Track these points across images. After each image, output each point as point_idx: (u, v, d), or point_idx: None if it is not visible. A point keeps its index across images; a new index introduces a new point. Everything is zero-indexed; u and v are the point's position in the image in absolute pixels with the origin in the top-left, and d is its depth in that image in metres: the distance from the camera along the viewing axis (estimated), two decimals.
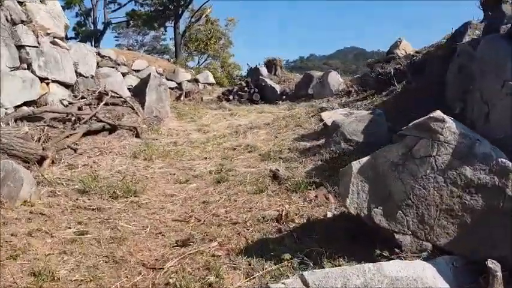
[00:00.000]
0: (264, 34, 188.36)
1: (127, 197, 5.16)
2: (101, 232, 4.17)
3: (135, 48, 32.70)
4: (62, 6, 10.18)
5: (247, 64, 21.27)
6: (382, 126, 6.47)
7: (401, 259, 3.07)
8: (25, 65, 7.82)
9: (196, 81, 16.98)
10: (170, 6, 25.03)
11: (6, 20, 7.55)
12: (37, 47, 8.16)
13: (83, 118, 7.84)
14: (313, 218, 4.31)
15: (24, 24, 8.00)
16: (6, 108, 7.18)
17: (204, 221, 4.51)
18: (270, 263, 3.45)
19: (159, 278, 3.35)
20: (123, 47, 29.49)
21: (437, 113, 3.13)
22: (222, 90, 16.04)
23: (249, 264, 3.48)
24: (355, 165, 3.38)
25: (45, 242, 3.89)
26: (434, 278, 2.76)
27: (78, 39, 24.49)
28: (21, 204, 4.63)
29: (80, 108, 8.44)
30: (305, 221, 4.27)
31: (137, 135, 8.15)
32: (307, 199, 4.83)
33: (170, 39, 30.82)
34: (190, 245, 3.91)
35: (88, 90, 9.41)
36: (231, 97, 14.69)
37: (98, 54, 12.70)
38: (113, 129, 8.04)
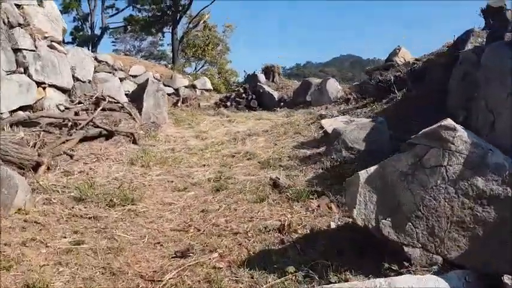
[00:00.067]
0: (264, 34, 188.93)
1: (124, 205, 5.02)
2: (98, 242, 4.03)
3: (132, 53, 32.63)
4: (59, 10, 10.06)
5: (244, 71, 21.25)
6: (384, 134, 6.39)
7: (410, 273, 2.96)
8: (22, 69, 7.69)
9: (193, 87, 16.90)
10: (168, 12, 25.07)
11: (3, 23, 7.43)
12: (34, 50, 8.04)
13: (80, 123, 7.70)
14: (316, 228, 4.18)
15: (21, 28, 7.88)
16: (1, 113, 7.05)
17: (204, 230, 4.38)
18: (274, 276, 3.33)
19: None
20: (120, 52, 29.43)
21: (448, 121, 3.03)
22: (220, 97, 15.97)
23: (252, 277, 3.35)
24: (363, 174, 3.27)
25: (39, 252, 3.75)
26: None
27: (75, 44, 24.40)
28: (16, 212, 4.49)
29: (76, 114, 8.32)
30: (308, 231, 4.14)
31: (134, 142, 8.03)
32: (310, 209, 4.71)
33: (168, 44, 30.90)
34: (189, 256, 3.78)
35: (85, 95, 9.31)
36: (228, 103, 14.62)
37: (95, 59, 12.57)
38: (109, 135, 7.91)
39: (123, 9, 27.10)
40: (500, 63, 4.90)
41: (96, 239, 4.10)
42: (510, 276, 2.63)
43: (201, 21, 26.04)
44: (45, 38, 8.61)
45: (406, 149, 3.22)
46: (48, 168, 5.99)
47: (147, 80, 10.70)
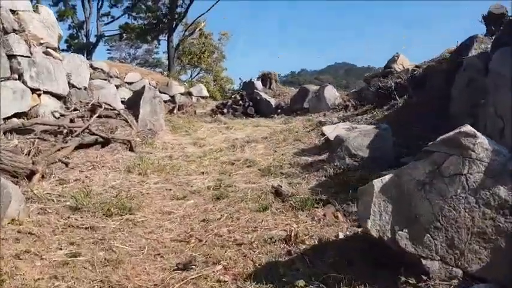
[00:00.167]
0: (264, 34, 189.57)
1: (122, 215, 4.83)
2: (95, 254, 3.83)
3: (127, 61, 32.51)
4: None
5: (240, 78, 21.23)
6: (388, 141, 6.28)
7: (429, 287, 2.79)
8: (16, 76, 7.50)
9: (189, 94, 16.76)
10: (164, 20, 24.96)
11: None
12: (29, 57, 7.86)
13: (75, 131, 7.51)
14: (324, 239, 4.01)
15: (16, 34, 7.70)
16: None
17: (206, 241, 4.19)
18: None
19: None
20: (116, 60, 29.29)
21: (468, 128, 2.88)
22: (216, 104, 15.87)
23: None
24: (377, 183, 3.11)
25: (34, 266, 3.55)
26: None
27: (70, 52, 24.19)
28: (9, 223, 4.27)
29: (72, 121, 8.13)
30: (316, 242, 3.97)
31: (131, 149, 7.84)
32: (315, 218, 4.54)
33: (163, 52, 30.72)
34: (192, 268, 3.59)
35: (81, 102, 9.13)
36: (225, 110, 14.53)
37: (91, 66, 12.42)
38: (106, 142, 7.73)
39: (118, 17, 27.02)
40: (509, 69, 4.82)
41: (93, 251, 3.90)
42: None
43: (197, 29, 25.99)
44: (41, 44, 8.44)
45: (422, 156, 3.06)
46: (43, 177, 5.78)
47: (144, 87, 10.55)
